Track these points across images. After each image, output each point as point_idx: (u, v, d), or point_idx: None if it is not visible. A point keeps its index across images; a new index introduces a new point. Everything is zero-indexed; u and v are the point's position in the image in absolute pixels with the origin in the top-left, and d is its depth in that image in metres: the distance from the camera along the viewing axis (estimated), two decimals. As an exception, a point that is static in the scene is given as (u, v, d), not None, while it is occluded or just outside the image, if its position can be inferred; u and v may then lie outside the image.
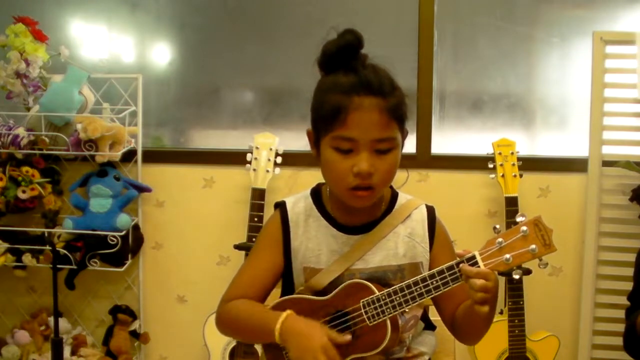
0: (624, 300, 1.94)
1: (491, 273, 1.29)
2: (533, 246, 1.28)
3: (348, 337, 1.36)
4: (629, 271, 1.93)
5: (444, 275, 1.33)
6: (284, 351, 1.43)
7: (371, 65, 1.38)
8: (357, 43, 1.37)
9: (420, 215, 1.50)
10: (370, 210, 1.46)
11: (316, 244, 1.47)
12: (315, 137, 1.41)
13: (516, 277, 1.36)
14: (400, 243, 1.46)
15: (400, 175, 1.46)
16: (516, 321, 2.50)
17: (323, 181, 1.49)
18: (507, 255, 1.29)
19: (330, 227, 1.47)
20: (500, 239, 1.30)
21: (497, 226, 1.33)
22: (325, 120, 1.35)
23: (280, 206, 1.52)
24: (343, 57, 1.36)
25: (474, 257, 1.31)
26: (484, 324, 1.42)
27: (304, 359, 1.32)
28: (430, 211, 1.51)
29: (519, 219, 1.31)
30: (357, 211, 1.44)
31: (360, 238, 1.46)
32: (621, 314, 1.94)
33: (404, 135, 1.41)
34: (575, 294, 2.69)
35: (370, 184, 1.35)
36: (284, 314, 1.37)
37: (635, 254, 1.91)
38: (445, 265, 1.33)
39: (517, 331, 2.50)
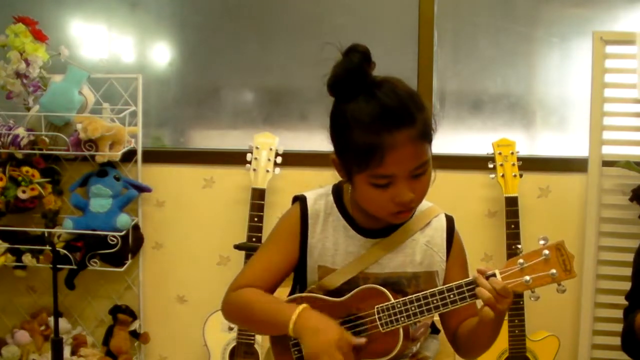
0: (624, 300, 1.94)
1: (511, 292, 1.30)
2: (554, 270, 1.28)
3: (363, 339, 1.35)
4: (629, 271, 1.93)
5: (462, 290, 1.33)
6: (292, 342, 1.42)
7: (388, 84, 1.32)
8: (366, 61, 1.32)
9: (439, 224, 1.49)
10: None
11: (333, 244, 1.45)
12: (346, 170, 1.37)
13: (532, 299, 1.35)
14: (418, 250, 1.45)
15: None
16: (516, 321, 2.50)
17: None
18: (527, 277, 1.29)
19: (349, 228, 1.45)
20: (521, 260, 1.30)
21: (520, 246, 1.33)
22: (358, 159, 1.31)
23: (301, 200, 1.49)
24: (354, 80, 1.31)
25: (494, 274, 1.31)
26: (487, 341, 1.43)
27: (318, 354, 1.30)
28: (450, 221, 1.50)
29: (541, 242, 1.30)
30: None
31: (378, 242, 1.44)
32: (621, 314, 1.94)
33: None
34: (575, 294, 2.69)
35: (412, 206, 1.36)
36: (300, 307, 1.35)
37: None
38: (465, 280, 1.33)
39: (517, 331, 2.50)
